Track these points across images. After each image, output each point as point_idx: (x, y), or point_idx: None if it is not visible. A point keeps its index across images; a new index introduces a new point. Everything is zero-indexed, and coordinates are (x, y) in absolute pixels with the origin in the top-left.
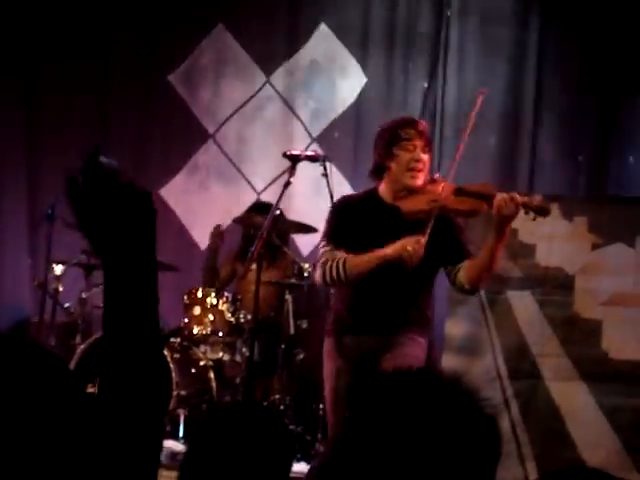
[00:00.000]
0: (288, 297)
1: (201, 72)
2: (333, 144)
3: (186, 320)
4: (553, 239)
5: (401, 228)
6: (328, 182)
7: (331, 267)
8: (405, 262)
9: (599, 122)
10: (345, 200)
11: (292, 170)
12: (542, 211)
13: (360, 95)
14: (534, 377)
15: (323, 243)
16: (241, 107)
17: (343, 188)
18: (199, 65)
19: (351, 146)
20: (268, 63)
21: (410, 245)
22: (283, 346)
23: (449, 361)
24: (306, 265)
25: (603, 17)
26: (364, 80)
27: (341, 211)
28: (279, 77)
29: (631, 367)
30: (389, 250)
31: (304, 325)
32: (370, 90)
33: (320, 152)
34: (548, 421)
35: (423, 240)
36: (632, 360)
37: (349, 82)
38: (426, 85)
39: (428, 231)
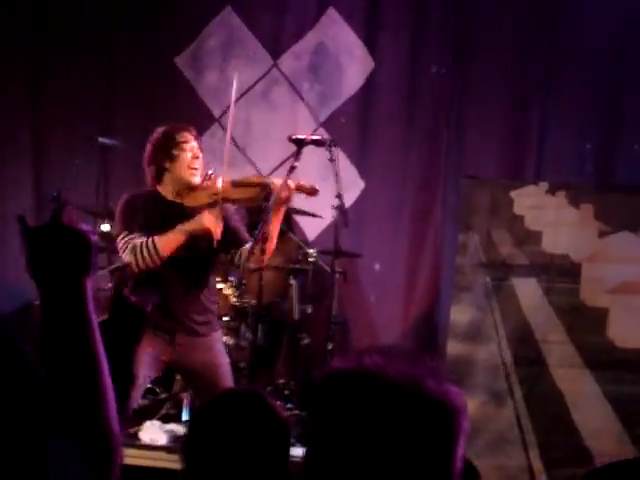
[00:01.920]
0: (293, 282)
1: (208, 55)
2: (340, 129)
3: None
4: (559, 226)
5: (185, 221)
6: (335, 167)
7: (142, 249)
8: (210, 230)
9: (606, 110)
10: (132, 196)
11: (297, 154)
12: (312, 191)
13: (368, 80)
14: (538, 364)
15: (123, 234)
16: (248, 91)
17: (349, 173)
18: (206, 48)
19: (358, 131)
20: (275, 46)
21: (210, 218)
22: (288, 331)
23: (454, 348)
24: (311, 250)
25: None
26: (372, 65)
27: (131, 205)
28: (286, 61)
29: (636, 355)
30: (192, 222)
31: (309, 310)
32: (378, 75)
33: (327, 136)
34: (552, 408)
35: (217, 212)
36: (638, 349)
37: (357, 67)
38: (434, 70)
39: (220, 219)
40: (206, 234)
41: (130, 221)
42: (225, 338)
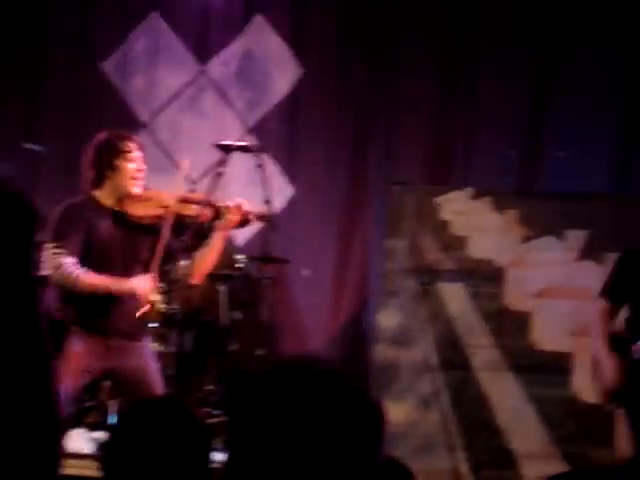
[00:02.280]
0: (221, 288)
1: (135, 60)
2: (268, 135)
3: None
4: (485, 232)
5: (132, 232)
6: (263, 173)
7: (63, 276)
8: (139, 296)
9: (531, 118)
10: (70, 205)
11: (224, 161)
12: (262, 218)
13: (295, 86)
14: (465, 368)
15: (52, 245)
16: (175, 97)
17: (278, 179)
18: (133, 53)
19: (286, 137)
20: (203, 52)
21: (141, 286)
22: (216, 337)
23: (381, 352)
24: (240, 256)
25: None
26: (299, 71)
27: (67, 215)
28: (214, 67)
29: (558, 358)
30: (127, 286)
31: (237, 316)
32: (305, 81)
33: (254, 143)
34: (478, 411)
35: (152, 277)
36: (559, 352)
37: (284, 73)
38: (361, 77)
39: (164, 240)
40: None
41: (63, 233)
42: (153, 345)
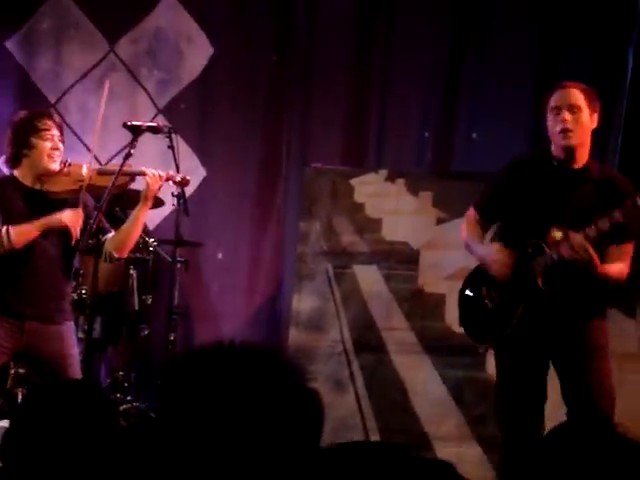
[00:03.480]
0: (132, 272)
1: (41, 39)
2: (180, 115)
3: None
4: (399, 214)
5: (49, 208)
6: (174, 154)
7: None
8: (69, 228)
9: (444, 99)
10: None
11: (133, 141)
12: (183, 182)
13: (207, 66)
14: (379, 351)
15: None
16: (84, 76)
17: (190, 160)
18: (38, 31)
19: (198, 118)
20: (112, 31)
21: (71, 216)
22: (127, 322)
23: (295, 336)
24: (151, 240)
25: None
26: (211, 51)
27: None
28: (123, 46)
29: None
30: (52, 218)
31: (149, 300)
32: (217, 61)
33: (165, 123)
34: (393, 394)
35: (80, 212)
36: None
37: (196, 53)
38: (275, 58)
39: (81, 206)
40: (64, 230)
41: None
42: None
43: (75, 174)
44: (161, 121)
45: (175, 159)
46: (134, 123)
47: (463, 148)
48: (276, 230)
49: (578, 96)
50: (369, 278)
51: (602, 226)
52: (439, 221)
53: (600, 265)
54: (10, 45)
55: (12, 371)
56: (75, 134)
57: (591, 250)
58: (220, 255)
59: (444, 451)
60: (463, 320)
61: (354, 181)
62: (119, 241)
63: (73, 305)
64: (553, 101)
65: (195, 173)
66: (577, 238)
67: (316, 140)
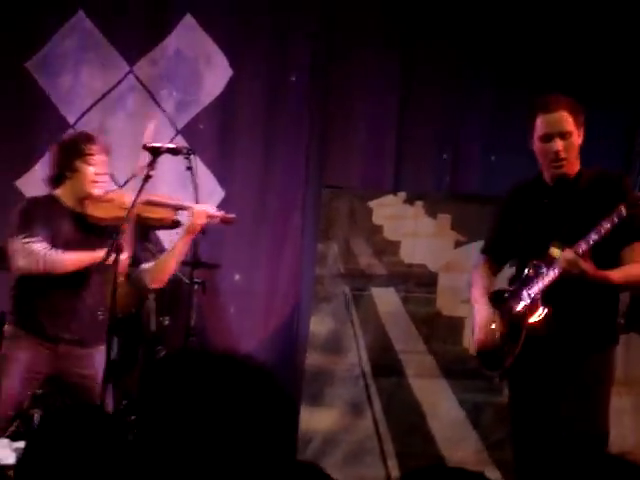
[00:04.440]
0: (150, 293)
1: (61, 60)
2: (198, 137)
3: None
4: (417, 236)
5: (92, 233)
6: (193, 175)
7: (38, 259)
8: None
9: (463, 121)
10: (30, 202)
11: (152, 163)
12: (228, 220)
13: (226, 88)
14: (397, 374)
15: (22, 236)
16: (103, 97)
17: (209, 182)
18: (58, 52)
19: (217, 139)
20: (131, 52)
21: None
22: (144, 344)
23: (313, 359)
24: None
25: (473, 16)
26: (230, 72)
27: (30, 210)
28: (142, 67)
29: None
30: (96, 255)
31: (166, 322)
32: (237, 83)
33: (184, 145)
34: (410, 418)
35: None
36: None
37: (215, 74)
38: (294, 79)
39: (122, 236)
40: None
41: (30, 224)
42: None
43: (118, 201)
44: (180, 142)
45: (193, 180)
46: (154, 145)
47: (481, 171)
48: (293, 252)
49: (567, 119)
50: (387, 300)
51: (606, 226)
52: (457, 244)
53: (596, 270)
54: (30, 66)
55: (29, 392)
56: None
57: (582, 263)
58: (237, 277)
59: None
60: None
61: (372, 203)
62: (156, 272)
63: None
64: (542, 128)
65: (213, 194)
66: (567, 254)
67: (334, 162)
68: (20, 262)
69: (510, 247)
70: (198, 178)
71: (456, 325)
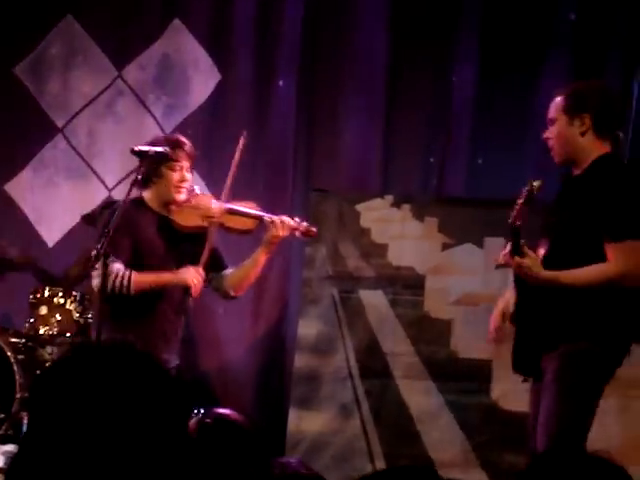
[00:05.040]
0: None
1: (49, 64)
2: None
3: (32, 320)
4: (404, 239)
5: (176, 239)
6: None
7: (115, 280)
8: (189, 290)
9: (450, 124)
10: (117, 206)
11: (140, 167)
12: (310, 233)
13: (214, 92)
14: (385, 376)
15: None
16: (92, 101)
17: (197, 185)
18: (47, 57)
19: (205, 143)
20: (119, 57)
21: (194, 277)
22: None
23: (301, 361)
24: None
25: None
26: (218, 77)
27: (117, 217)
28: (131, 71)
29: (478, 366)
30: (174, 278)
31: None
32: (225, 87)
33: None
34: (398, 420)
35: (202, 271)
36: (479, 359)
37: (203, 79)
38: (281, 84)
39: (207, 250)
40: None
41: (112, 238)
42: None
43: (204, 208)
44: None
45: None
46: (141, 148)
47: (469, 174)
48: (282, 254)
49: (557, 105)
50: (375, 303)
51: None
52: (445, 246)
53: (538, 273)
54: (18, 71)
55: (18, 395)
56: (83, 159)
57: (525, 265)
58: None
59: (449, 477)
60: None
61: (360, 206)
62: (237, 280)
63: (79, 329)
64: None
65: None
66: (517, 259)
67: (322, 166)
68: (94, 281)
69: None
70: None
71: (443, 327)
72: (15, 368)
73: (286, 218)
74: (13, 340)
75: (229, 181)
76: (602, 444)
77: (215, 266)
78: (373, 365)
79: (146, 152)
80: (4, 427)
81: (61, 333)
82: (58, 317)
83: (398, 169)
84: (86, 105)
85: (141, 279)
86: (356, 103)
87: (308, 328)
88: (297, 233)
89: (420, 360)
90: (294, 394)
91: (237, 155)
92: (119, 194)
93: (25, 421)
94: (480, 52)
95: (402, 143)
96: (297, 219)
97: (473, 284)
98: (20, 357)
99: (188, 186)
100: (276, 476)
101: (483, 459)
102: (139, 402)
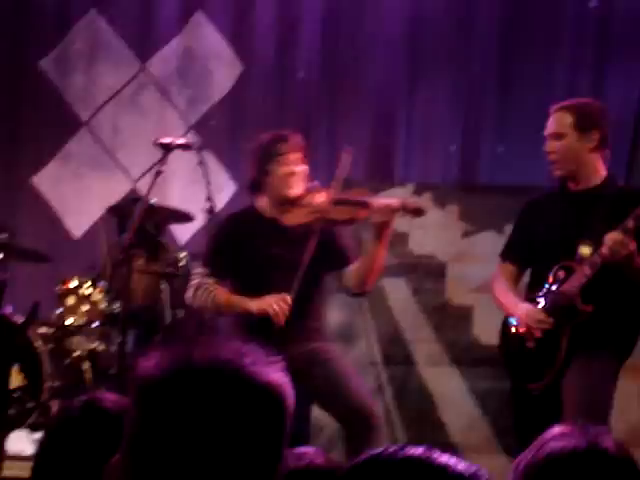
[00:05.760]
0: (164, 286)
1: (74, 58)
2: (210, 132)
3: (60, 310)
4: (426, 227)
5: (284, 242)
6: (204, 170)
7: (201, 295)
8: (271, 319)
9: (470, 112)
10: (227, 221)
11: (164, 159)
12: (417, 212)
13: (237, 83)
14: (408, 363)
15: (201, 263)
16: (115, 94)
17: (220, 176)
18: (71, 51)
19: (228, 134)
20: (143, 49)
21: (276, 303)
22: (159, 336)
23: None
24: (182, 254)
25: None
26: (240, 68)
27: (222, 234)
28: (154, 64)
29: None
30: (254, 306)
31: (180, 314)
32: (247, 78)
33: (194, 140)
34: (421, 406)
35: (289, 298)
36: None
37: (225, 70)
38: (302, 75)
39: (310, 250)
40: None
41: (211, 256)
42: (96, 344)
43: (311, 204)
44: (191, 138)
45: (205, 175)
46: (164, 141)
47: (489, 162)
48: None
49: (562, 121)
50: (397, 291)
51: (628, 224)
52: (465, 234)
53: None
54: (44, 65)
55: (47, 384)
56: (107, 152)
57: (631, 244)
58: None
59: (473, 462)
60: (507, 361)
61: (381, 195)
62: (357, 276)
63: (107, 319)
64: (545, 129)
65: (225, 188)
66: (614, 234)
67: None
68: (188, 293)
69: (527, 253)
70: (210, 173)
71: (465, 314)
72: (44, 358)
73: (385, 200)
74: (41, 330)
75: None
76: (624, 428)
77: (335, 263)
78: (395, 352)
79: (169, 144)
80: (34, 415)
81: (88, 323)
82: (85, 307)
83: (419, 158)
84: (110, 98)
85: (225, 302)
86: (377, 94)
87: (331, 316)
88: (404, 214)
89: (442, 347)
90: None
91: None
92: (144, 186)
93: (53, 409)
94: (501, 39)
95: (423, 132)
96: (408, 198)
97: (493, 271)
98: (49, 346)
99: (299, 179)
100: (290, 468)
101: (506, 444)
102: (238, 423)
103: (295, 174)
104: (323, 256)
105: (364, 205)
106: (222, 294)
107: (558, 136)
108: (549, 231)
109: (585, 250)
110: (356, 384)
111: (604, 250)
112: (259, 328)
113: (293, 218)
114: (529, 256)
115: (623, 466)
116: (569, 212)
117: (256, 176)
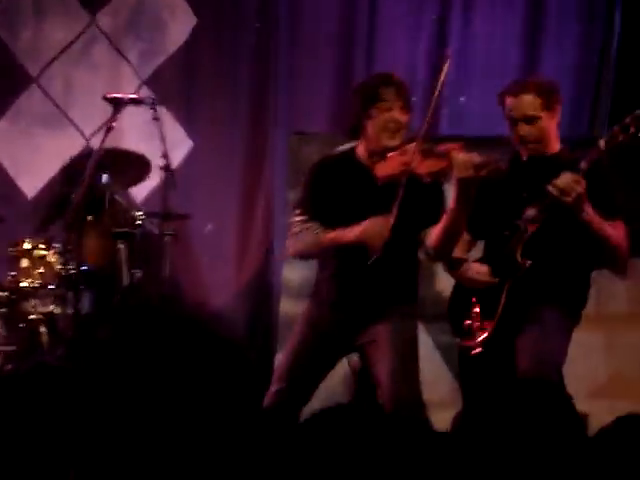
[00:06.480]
0: (121, 246)
1: (21, 10)
2: (164, 86)
3: (13, 273)
4: None
5: (374, 194)
6: (159, 126)
7: (304, 237)
8: (369, 246)
9: (430, 63)
10: (322, 165)
11: (115, 114)
12: (497, 171)
13: (191, 36)
14: None
15: (298, 211)
16: (65, 49)
17: (176, 132)
18: (18, 4)
19: (183, 89)
20: (92, 2)
21: (377, 227)
22: (116, 297)
23: (287, 306)
24: (139, 212)
25: None
26: (194, 20)
27: (318, 178)
28: (104, 17)
29: None
30: (353, 234)
31: (138, 274)
32: (201, 31)
33: (147, 95)
34: None
35: (391, 221)
36: None
37: (179, 22)
38: (258, 25)
39: (397, 204)
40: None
41: (308, 202)
42: (52, 307)
43: (403, 156)
44: (145, 93)
45: (160, 131)
46: (115, 95)
47: (450, 111)
48: (265, 200)
49: (533, 104)
50: None
51: (581, 165)
52: None
53: (591, 212)
54: None
55: (1, 349)
56: (59, 108)
57: (581, 184)
58: (209, 227)
59: (439, 416)
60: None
61: (340, 148)
62: (438, 240)
63: (62, 281)
64: (508, 109)
65: (181, 144)
66: (566, 174)
67: (303, 108)
68: (289, 249)
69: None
70: (165, 129)
71: (428, 268)
72: None
73: (466, 155)
74: None
75: (430, 114)
76: (588, 379)
77: (424, 221)
78: None
79: (120, 99)
80: None
81: (43, 285)
82: (40, 269)
83: None
84: (60, 53)
85: (323, 238)
86: (336, 41)
87: (293, 272)
88: (485, 172)
89: None
90: (281, 339)
91: (441, 80)
92: (97, 143)
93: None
94: None
95: None
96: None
97: None
98: (3, 310)
99: (401, 128)
100: None
101: None
102: None
103: (396, 122)
104: (415, 213)
105: (445, 156)
106: (326, 233)
107: (531, 119)
108: (499, 201)
109: (532, 212)
110: None
111: (553, 189)
112: (352, 264)
113: (384, 169)
114: (482, 228)
115: None
116: (521, 181)
117: (357, 119)
